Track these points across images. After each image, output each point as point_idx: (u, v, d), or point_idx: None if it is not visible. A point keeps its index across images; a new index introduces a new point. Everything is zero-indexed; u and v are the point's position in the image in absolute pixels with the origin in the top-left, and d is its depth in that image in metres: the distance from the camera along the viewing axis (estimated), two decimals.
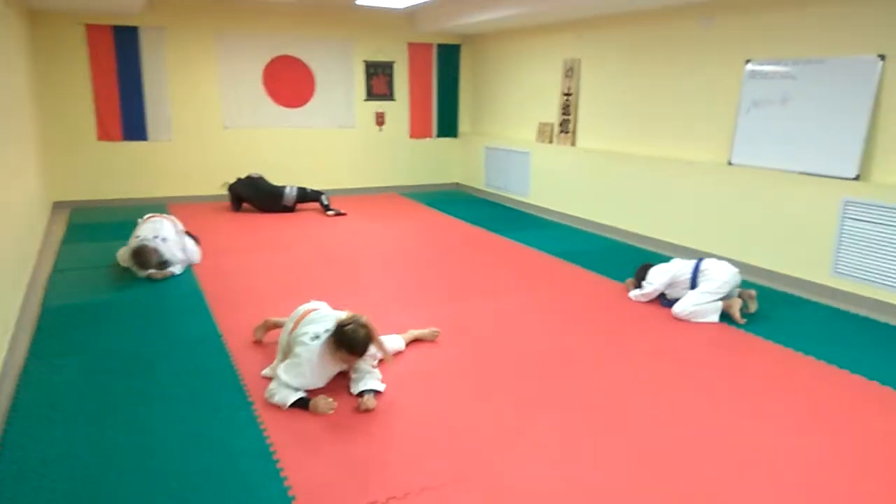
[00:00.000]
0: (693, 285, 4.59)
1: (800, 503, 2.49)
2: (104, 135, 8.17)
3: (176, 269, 5.29)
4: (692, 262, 4.72)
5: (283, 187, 8.13)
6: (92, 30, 7.89)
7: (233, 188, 8.13)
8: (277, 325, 3.88)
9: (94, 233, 6.83)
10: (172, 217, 5.66)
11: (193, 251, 5.56)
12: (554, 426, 3.03)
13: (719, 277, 4.49)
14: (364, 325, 3.16)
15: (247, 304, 4.67)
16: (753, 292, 4.63)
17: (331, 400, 3.12)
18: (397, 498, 2.47)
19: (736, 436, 2.97)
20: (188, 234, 5.68)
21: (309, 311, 3.44)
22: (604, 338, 4.17)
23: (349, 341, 3.13)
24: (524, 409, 3.18)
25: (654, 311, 4.67)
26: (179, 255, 5.33)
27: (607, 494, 2.52)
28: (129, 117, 8.25)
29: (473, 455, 2.77)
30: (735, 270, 4.56)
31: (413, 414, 3.11)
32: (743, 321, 4.38)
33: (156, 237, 5.21)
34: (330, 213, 8.01)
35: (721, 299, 4.49)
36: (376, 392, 3.23)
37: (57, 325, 4.20)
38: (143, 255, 5.10)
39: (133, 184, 8.46)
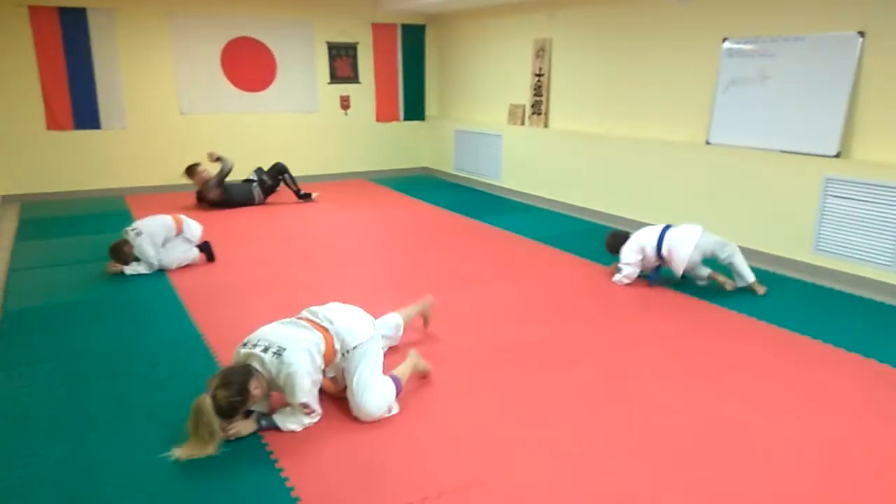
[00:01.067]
0: (659, 251, 4.67)
1: (816, 481, 2.46)
2: (54, 124, 7.72)
3: (128, 269, 4.95)
4: (655, 233, 4.71)
5: (251, 189, 7.65)
6: (35, 12, 7.41)
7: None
8: None
9: (49, 228, 6.45)
10: (182, 219, 5.22)
11: (170, 259, 5.07)
12: (564, 420, 2.94)
13: (683, 257, 4.55)
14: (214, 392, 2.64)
15: (224, 300, 4.45)
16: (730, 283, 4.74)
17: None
18: None
19: (744, 420, 2.93)
20: (204, 245, 5.31)
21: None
22: (597, 324, 4.10)
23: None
24: (532, 404, 3.08)
25: (640, 293, 4.62)
26: (149, 253, 4.97)
27: (624, 489, 2.44)
28: (80, 105, 7.80)
29: (488, 455, 2.66)
30: (694, 237, 4.57)
31: (418, 414, 2.98)
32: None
33: (133, 229, 4.98)
34: (303, 198, 7.78)
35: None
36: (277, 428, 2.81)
37: (21, 330, 3.91)
38: (113, 250, 4.94)
39: (87, 175, 8.04)
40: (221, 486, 2.46)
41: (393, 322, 3.56)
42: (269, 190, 7.77)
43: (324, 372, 2.94)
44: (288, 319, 3.02)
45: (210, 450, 2.62)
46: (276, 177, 7.80)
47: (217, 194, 7.35)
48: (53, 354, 3.59)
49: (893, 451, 2.70)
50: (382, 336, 3.28)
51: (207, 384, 2.70)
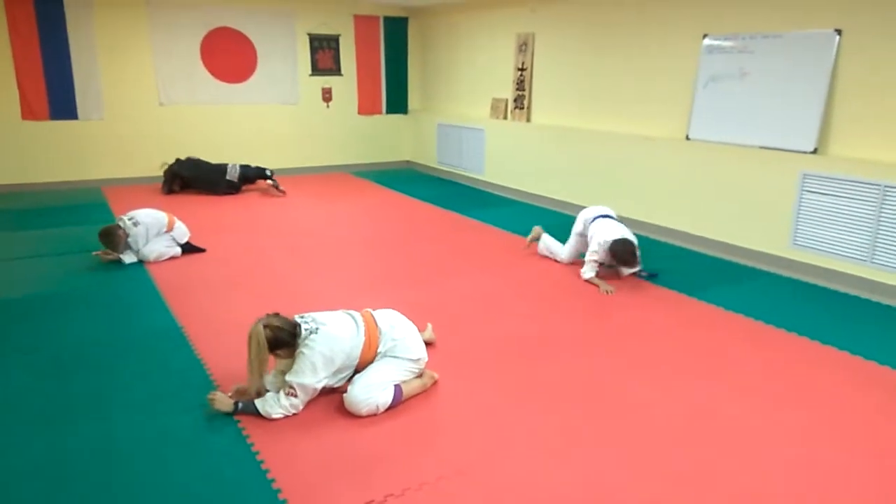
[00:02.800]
0: None
1: (789, 473, 2.50)
2: (29, 114, 7.58)
3: (125, 257, 4.99)
4: (612, 227, 4.78)
5: (225, 164, 7.77)
6: (11, 0, 7.26)
7: (170, 169, 7.69)
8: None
9: (25, 220, 6.34)
10: (174, 220, 5.25)
11: (149, 250, 5.02)
12: (547, 411, 2.96)
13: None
14: (265, 326, 2.81)
15: (203, 292, 4.41)
16: None
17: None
18: (395, 495, 2.35)
19: (721, 410, 2.97)
20: (187, 245, 5.27)
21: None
22: (578, 317, 4.13)
23: None
24: (514, 395, 3.10)
25: (619, 288, 4.66)
26: (141, 243, 5.01)
27: (606, 479, 2.47)
28: (56, 94, 7.67)
29: (470, 446, 2.67)
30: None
31: (402, 406, 2.97)
32: None
33: (130, 219, 5.01)
34: (270, 182, 7.79)
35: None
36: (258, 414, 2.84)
37: None
38: (106, 235, 4.92)
39: (63, 166, 7.91)
40: (199, 476, 2.44)
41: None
42: (247, 173, 7.76)
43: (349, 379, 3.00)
44: (350, 312, 3.06)
45: (256, 380, 2.86)
46: (259, 170, 7.84)
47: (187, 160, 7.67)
48: (30, 346, 3.53)
49: (864, 440, 2.75)
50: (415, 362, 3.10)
51: (260, 318, 2.84)
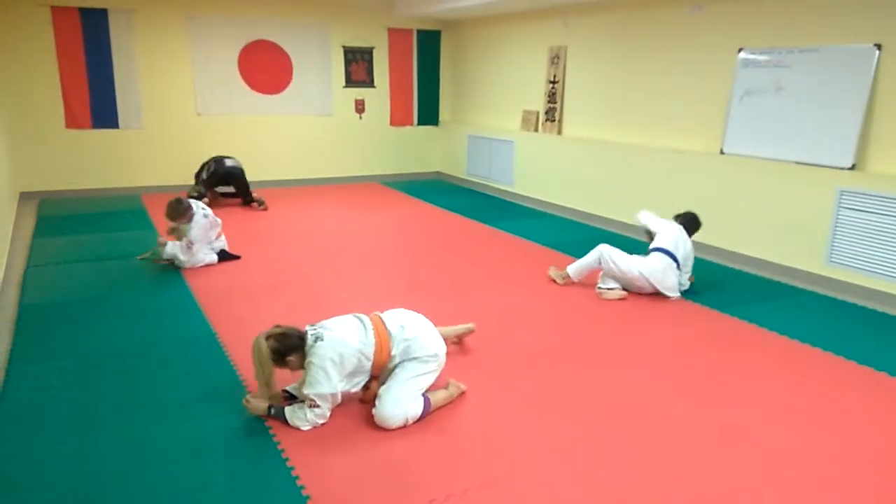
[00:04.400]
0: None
1: (820, 494, 2.45)
2: (73, 122, 7.83)
3: (167, 249, 5.11)
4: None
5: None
6: (57, 12, 7.52)
7: (207, 180, 7.79)
8: None
9: (66, 225, 6.53)
10: (221, 234, 5.42)
11: (189, 255, 5.10)
12: (575, 426, 2.95)
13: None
14: (268, 337, 2.86)
15: (237, 300, 4.49)
16: None
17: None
18: None
19: (754, 429, 2.93)
20: (222, 252, 5.39)
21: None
22: (609, 331, 4.11)
23: None
24: (543, 409, 3.10)
25: (651, 302, 4.63)
26: (196, 235, 5.09)
27: (633, 496, 2.45)
28: (98, 104, 7.91)
29: (497, 459, 2.67)
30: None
31: (430, 417, 2.98)
32: None
33: (203, 209, 5.23)
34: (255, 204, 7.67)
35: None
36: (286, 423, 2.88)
37: (38, 326, 3.97)
38: (177, 203, 5.10)
39: (104, 173, 8.14)
40: (232, 482, 2.49)
41: None
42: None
43: (367, 385, 3.03)
44: (359, 315, 3.07)
45: (266, 392, 2.91)
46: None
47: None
48: (68, 351, 3.64)
49: None
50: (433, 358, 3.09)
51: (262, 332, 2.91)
